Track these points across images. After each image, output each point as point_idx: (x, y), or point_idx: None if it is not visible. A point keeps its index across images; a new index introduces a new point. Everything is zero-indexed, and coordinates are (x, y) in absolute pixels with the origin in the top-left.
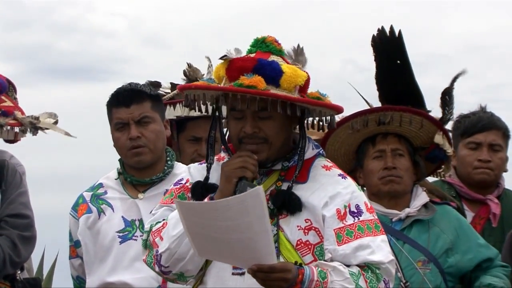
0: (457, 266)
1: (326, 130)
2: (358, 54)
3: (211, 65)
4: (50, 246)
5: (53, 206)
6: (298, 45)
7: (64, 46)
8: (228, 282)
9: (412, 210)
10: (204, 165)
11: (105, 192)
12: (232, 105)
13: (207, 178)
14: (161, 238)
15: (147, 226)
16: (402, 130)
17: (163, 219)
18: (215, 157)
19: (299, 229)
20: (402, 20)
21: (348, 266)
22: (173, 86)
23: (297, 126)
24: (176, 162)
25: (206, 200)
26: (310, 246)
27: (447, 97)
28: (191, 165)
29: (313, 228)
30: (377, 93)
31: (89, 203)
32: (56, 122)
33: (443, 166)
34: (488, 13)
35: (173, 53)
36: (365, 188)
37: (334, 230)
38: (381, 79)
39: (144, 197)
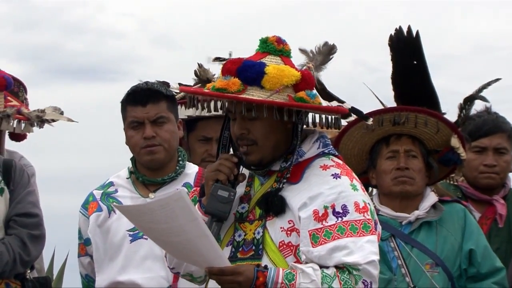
0: (461, 266)
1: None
2: (369, 55)
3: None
4: (60, 246)
5: (64, 206)
6: (326, 42)
7: (74, 46)
8: None
9: (421, 213)
10: None
11: (116, 191)
12: (224, 107)
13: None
14: None
15: None
16: (416, 132)
17: None
18: None
19: (282, 231)
20: (413, 21)
21: (327, 267)
22: (182, 86)
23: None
24: (187, 162)
25: (197, 205)
26: (292, 247)
27: (468, 103)
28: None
29: (295, 230)
30: (389, 94)
31: (99, 201)
32: (61, 114)
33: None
34: (499, 14)
35: (182, 53)
36: (374, 190)
37: (308, 231)
38: (397, 79)
39: (155, 197)
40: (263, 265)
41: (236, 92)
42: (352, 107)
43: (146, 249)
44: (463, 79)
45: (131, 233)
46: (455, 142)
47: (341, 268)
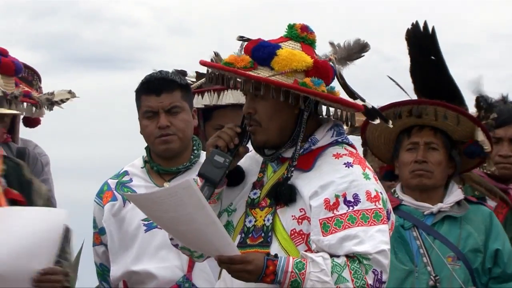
0: (485, 265)
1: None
2: (383, 43)
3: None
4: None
5: (79, 195)
6: (358, 40)
7: (88, 35)
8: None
9: (445, 206)
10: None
11: (131, 180)
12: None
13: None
14: None
15: None
16: (438, 124)
17: None
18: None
19: (293, 219)
20: (426, 9)
21: (337, 256)
22: (199, 75)
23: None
24: (202, 151)
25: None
26: (303, 236)
27: (481, 103)
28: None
29: (306, 218)
30: (405, 83)
31: (114, 191)
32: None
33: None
34: None
35: (198, 42)
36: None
37: (319, 220)
38: (415, 73)
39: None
40: (272, 253)
41: (242, 68)
42: (372, 107)
43: (161, 239)
44: (479, 68)
45: (146, 222)
46: (479, 135)
47: (352, 257)
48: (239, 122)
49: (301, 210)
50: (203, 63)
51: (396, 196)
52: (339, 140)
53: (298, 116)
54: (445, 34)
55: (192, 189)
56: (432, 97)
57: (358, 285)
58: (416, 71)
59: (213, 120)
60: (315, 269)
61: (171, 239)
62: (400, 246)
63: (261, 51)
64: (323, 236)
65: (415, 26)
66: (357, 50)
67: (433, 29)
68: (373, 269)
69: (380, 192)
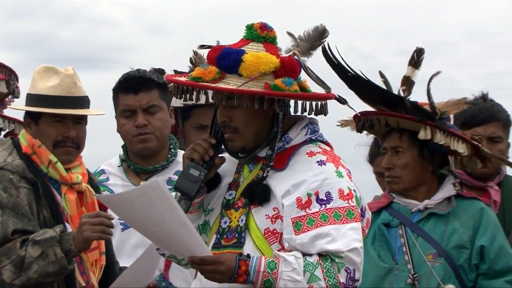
0: (471, 261)
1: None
2: (362, 42)
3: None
4: None
5: None
6: (316, 27)
7: (66, 35)
8: None
9: (431, 202)
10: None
11: (107, 179)
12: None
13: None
14: None
15: None
16: (405, 126)
17: None
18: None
19: (267, 218)
20: (404, 8)
21: (310, 255)
22: (177, 73)
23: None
24: (179, 150)
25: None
26: (276, 235)
27: (430, 100)
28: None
29: (280, 217)
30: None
31: None
32: None
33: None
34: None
35: (175, 41)
36: None
37: (291, 219)
38: (352, 88)
39: None
40: (245, 253)
41: (211, 81)
42: (336, 96)
43: (137, 238)
44: (456, 66)
45: (122, 221)
46: (422, 134)
47: (324, 256)
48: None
49: (275, 209)
50: (169, 79)
51: (390, 193)
52: (313, 138)
53: (273, 117)
54: (423, 32)
55: (161, 189)
56: (377, 104)
57: (330, 283)
58: (351, 87)
59: (192, 119)
60: (287, 268)
61: (157, 249)
62: (383, 244)
63: (226, 59)
64: (296, 235)
65: (323, 49)
66: (318, 37)
67: (328, 46)
68: (346, 267)
69: (354, 190)
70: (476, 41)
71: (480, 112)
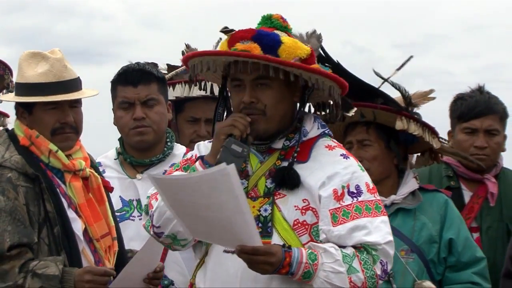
0: (440, 255)
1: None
2: (356, 35)
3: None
4: None
5: None
6: (314, 31)
7: (61, 29)
8: (226, 262)
9: (398, 198)
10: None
11: (103, 171)
12: (233, 75)
13: None
14: (156, 199)
15: (149, 191)
16: (366, 119)
17: None
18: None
19: (296, 209)
20: (400, 1)
21: (344, 247)
22: (170, 67)
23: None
24: (175, 143)
25: (197, 163)
26: (307, 226)
27: (403, 92)
28: (200, 142)
29: (311, 208)
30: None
31: None
32: None
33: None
34: None
35: (169, 35)
36: None
37: (329, 210)
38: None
39: (143, 178)
40: (272, 243)
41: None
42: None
43: (133, 230)
44: (452, 59)
45: (118, 214)
46: (399, 125)
47: (359, 248)
48: (211, 114)
49: (305, 200)
50: (216, 53)
51: None
52: (326, 132)
53: (294, 105)
54: (419, 25)
55: (230, 176)
56: (355, 97)
57: (368, 275)
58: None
59: (184, 112)
60: (329, 260)
61: (157, 227)
62: None
63: (265, 39)
64: (333, 226)
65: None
66: (317, 41)
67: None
68: (380, 259)
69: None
70: (472, 33)
71: (476, 105)
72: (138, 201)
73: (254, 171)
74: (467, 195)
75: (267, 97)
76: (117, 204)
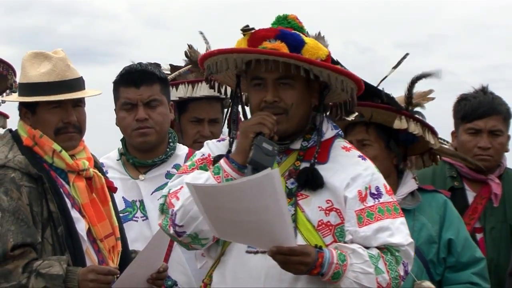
0: (439, 255)
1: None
2: (359, 35)
3: (209, 46)
4: None
5: None
6: (319, 32)
7: (64, 29)
8: (248, 262)
9: (397, 198)
10: (223, 142)
11: (106, 172)
12: (254, 74)
13: (229, 151)
14: (177, 198)
15: (165, 191)
16: (365, 118)
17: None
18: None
19: (320, 210)
20: (403, 0)
21: (367, 248)
22: (173, 68)
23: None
24: (177, 144)
25: (223, 162)
26: (330, 227)
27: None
28: (209, 141)
29: (334, 209)
30: (383, 72)
31: None
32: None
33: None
34: None
35: (173, 35)
36: None
37: (355, 211)
38: None
39: (145, 178)
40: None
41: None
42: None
43: (136, 232)
44: (455, 58)
45: (121, 215)
46: (398, 124)
47: (382, 249)
48: (214, 114)
49: (328, 201)
50: (244, 50)
51: None
52: (339, 133)
53: (311, 107)
54: (422, 25)
55: (276, 179)
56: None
57: (392, 276)
58: None
59: (188, 112)
60: (358, 260)
61: (180, 225)
62: None
63: (289, 39)
64: (359, 227)
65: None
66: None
67: None
68: (403, 260)
69: None
70: (475, 33)
71: (480, 105)
72: (141, 201)
73: None
74: (470, 195)
75: (290, 96)
76: (120, 205)
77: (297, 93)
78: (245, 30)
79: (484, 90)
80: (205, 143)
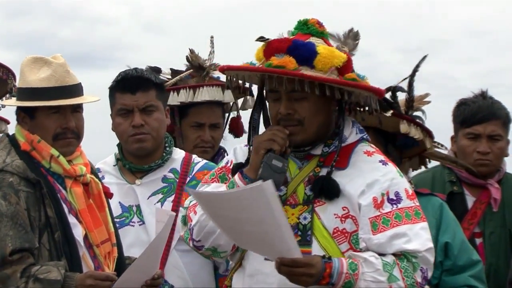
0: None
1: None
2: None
3: (213, 51)
4: None
5: None
6: (352, 29)
7: (65, 33)
8: (264, 269)
9: None
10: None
11: (102, 177)
12: (270, 86)
13: (248, 159)
14: (195, 212)
15: (186, 203)
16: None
17: None
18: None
19: (336, 217)
20: (403, 5)
21: (384, 255)
22: (173, 72)
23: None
24: (174, 148)
25: (237, 177)
26: (346, 234)
27: (409, 87)
28: (237, 146)
29: (350, 216)
30: (384, 78)
31: None
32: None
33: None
34: None
35: (173, 39)
36: None
37: (369, 219)
38: None
39: (142, 183)
40: (313, 253)
41: (293, 70)
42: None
43: (133, 236)
44: (455, 63)
45: (118, 220)
46: (404, 128)
47: (399, 255)
48: (215, 119)
49: (344, 208)
50: (248, 68)
51: None
52: (364, 137)
53: (333, 113)
54: (422, 30)
55: (267, 191)
56: None
57: (409, 283)
58: None
59: (189, 117)
60: (370, 269)
61: (197, 241)
62: None
63: (301, 50)
64: (373, 234)
65: None
66: (354, 39)
67: None
68: (421, 266)
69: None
70: (475, 38)
71: (479, 110)
72: (138, 206)
73: (293, 177)
74: (470, 200)
75: (304, 109)
76: (116, 210)
77: (311, 104)
78: (260, 40)
79: (483, 95)
80: (233, 149)
